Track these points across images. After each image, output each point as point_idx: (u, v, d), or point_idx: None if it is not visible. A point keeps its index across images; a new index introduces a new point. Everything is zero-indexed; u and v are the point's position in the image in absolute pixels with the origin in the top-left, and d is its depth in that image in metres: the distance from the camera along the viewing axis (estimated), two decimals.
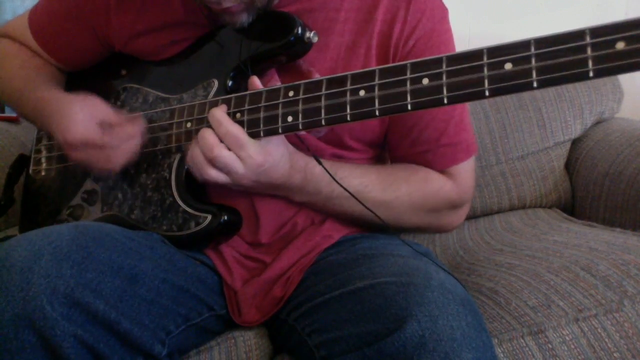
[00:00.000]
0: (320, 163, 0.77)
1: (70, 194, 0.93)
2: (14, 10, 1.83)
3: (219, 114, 0.73)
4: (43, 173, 0.98)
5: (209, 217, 0.78)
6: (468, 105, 0.88)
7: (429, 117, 0.83)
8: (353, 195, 0.77)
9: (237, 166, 0.72)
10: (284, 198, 0.83)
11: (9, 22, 1.04)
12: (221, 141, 0.72)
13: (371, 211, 0.78)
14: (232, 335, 0.81)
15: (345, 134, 0.83)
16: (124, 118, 0.83)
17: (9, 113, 1.56)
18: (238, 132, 0.72)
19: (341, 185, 0.77)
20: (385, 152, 0.93)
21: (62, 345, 0.60)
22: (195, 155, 0.74)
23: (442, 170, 0.86)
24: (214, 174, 0.73)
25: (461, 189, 0.87)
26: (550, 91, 1.38)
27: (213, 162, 0.72)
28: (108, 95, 0.92)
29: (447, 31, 0.85)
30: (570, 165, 1.39)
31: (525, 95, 1.39)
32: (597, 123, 1.40)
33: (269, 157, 0.73)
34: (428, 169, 0.86)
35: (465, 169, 0.87)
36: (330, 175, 0.76)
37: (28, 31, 0.97)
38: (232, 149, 0.72)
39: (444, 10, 0.85)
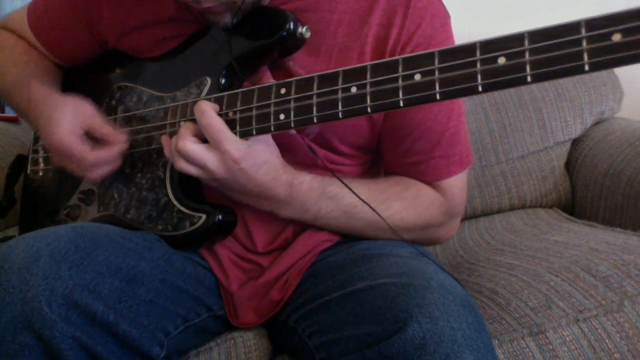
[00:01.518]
0: (313, 151, 0.77)
1: (68, 194, 0.92)
2: (13, 9, 1.83)
3: (205, 105, 0.73)
4: (41, 173, 0.98)
5: (204, 216, 0.77)
6: (465, 117, 0.85)
7: (424, 127, 0.81)
8: (363, 200, 0.76)
9: (207, 159, 0.72)
10: (272, 213, 0.81)
11: (9, 15, 1.04)
12: (198, 134, 0.72)
13: (383, 219, 0.77)
14: (232, 335, 0.81)
15: (335, 138, 0.82)
16: (111, 130, 0.82)
17: (9, 113, 1.56)
18: (219, 125, 0.71)
19: (347, 186, 0.76)
20: (379, 157, 0.91)
21: (60, 347, 0.60)
22: (170, 147, 0.74)
23: (434, 183, 0.84)
24: (184, 166, 0.73)
25: (451, 204, 0.85)
26: (551, 91, 1.38)
27: (180, 155, 0.72)
28: (103, 93, 0.92)
29: (448, 39, 0.82)
30: (570, 165, 1.39)
31: (525, 94, 1.39)
32: (597, 123, 1.40)
33: (253, 157, 0.72)
34: (420, 183, 0.84)
35: (457, 183, 0.85)
36: (327, 165, 0.75)
37: (26, 23, 0.97)
38: (210, 141, 0.71)
39: (444, 17, 0.82)
